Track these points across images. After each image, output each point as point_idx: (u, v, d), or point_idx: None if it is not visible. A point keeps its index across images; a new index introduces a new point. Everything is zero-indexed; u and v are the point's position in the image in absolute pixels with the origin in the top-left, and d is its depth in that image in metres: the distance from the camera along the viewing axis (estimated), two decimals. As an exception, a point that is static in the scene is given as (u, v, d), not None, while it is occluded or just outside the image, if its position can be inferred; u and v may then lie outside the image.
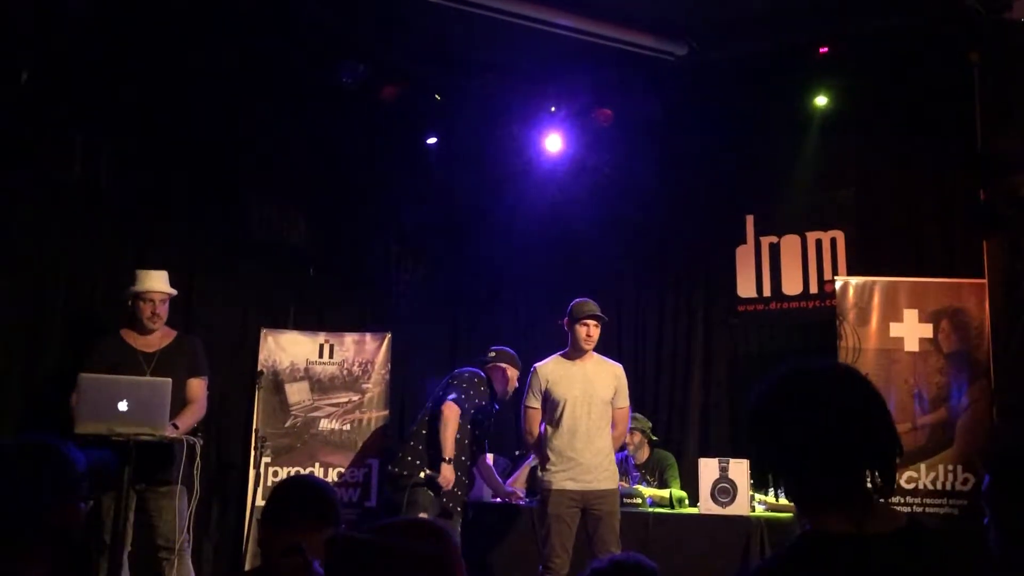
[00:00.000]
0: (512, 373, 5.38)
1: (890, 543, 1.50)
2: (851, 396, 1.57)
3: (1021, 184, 4.78)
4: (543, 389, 4.87)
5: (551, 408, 4.85)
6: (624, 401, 4.95)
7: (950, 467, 5.08)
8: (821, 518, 1.55)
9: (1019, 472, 1.81)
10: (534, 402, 4.92)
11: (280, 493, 2.42)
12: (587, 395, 4.80)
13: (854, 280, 5.48)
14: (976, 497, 4.90)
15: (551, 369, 4.91)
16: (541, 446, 4.90)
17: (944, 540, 1.60)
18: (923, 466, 5.11)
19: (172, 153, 5.99)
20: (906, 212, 6.00)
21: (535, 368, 4.96)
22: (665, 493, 5.57)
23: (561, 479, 4.74)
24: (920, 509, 5.05)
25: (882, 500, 1.56)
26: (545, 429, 4.89)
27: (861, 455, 1.55)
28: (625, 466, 5.88)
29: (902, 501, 5.03)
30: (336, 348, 6.59)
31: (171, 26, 5.44)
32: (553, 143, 6.76)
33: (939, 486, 5.09)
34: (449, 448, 4.93)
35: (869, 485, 1.56)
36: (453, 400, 5.04)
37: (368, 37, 6.07)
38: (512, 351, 5.52)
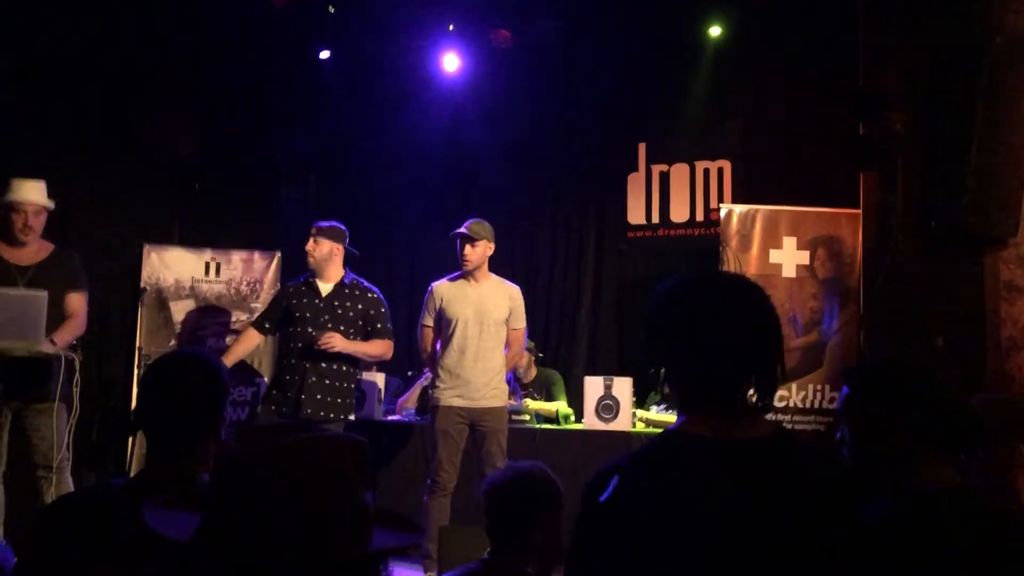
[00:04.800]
0: (309, 246, 4.94)
1: (752, 448, 1.55)
2: (751, 305, 1.62)
3: (896, 120, 4.99)
4: (438, 308, 4.92)
5: (444, 327, 4.90)
6: (519, 322, 5.03)
7: (819, 386, 5.38)
8: (691, 419, 1.60)
9: (874, 381, 1.95)
10: (428, 320, 4.98)
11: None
12: (479, 315, 4.86)
13: (738, 208, 5.66)
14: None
15: (446, 289, 4.95)
16: (434, 363, 4.96)
17: (807, 449, 1.65)
18: (794, 385, 5.40)
19: (48, 59, 5.65)
20: (789, 144, 6.21)
21: (432, 287, 5.00)
22: (552, 407, 5.74)
23: (449, 396, 4.83)
24: (790, 426, 5.34)
25: (757, 410, 1.60)
26: (438, 347, 4.94)
27: (748, 363, 1.59)
28: (511, 386, 6.00)
29: (772, 418, 5.31)
30: (223, 266, 6.43)
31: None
32: (450, 62, 6.67)
33: (808, 404, 5.40)
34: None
35: (751, 393, 1.60)
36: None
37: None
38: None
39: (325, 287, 4.93)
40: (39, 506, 4.33)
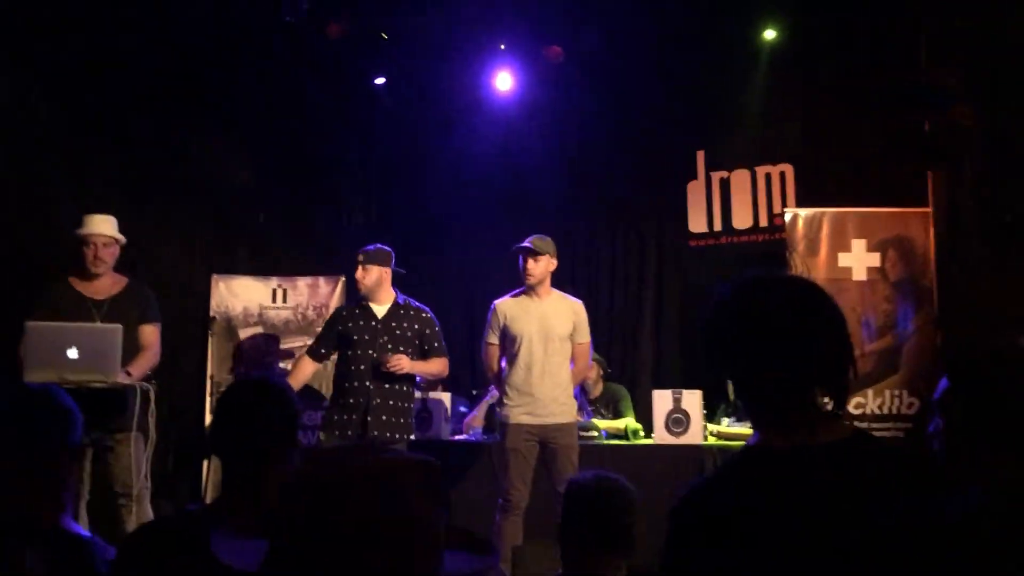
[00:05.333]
0: (358, 274, 4.97)
1: (831, 452, 1.50)
2: (810, 309, 1.56)
3: (962, 115, 4.86)
4: (502, 325, 4.91)
5: (509, 344, 4.89)
6: (583, 337, 5.00)
7: (896, 392, 5.23)
8: (768, 431, 1.55)
9: (976, 375, 1.88)
10: (493, 338, 4.97)
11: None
12: (544, 332, 4.84)
13: (803, 212, 5.56)
14: (921, 420, 5.08)
15: (509, 306, 4.94)
16: (500, 382, 4.95)
17: (888, 448, 1.61)
18: (870, 392, 5.25)
19: (117, 95, 5.83)
20: (851, 143, 6.06)
21: (494, 305, 4.99)
22: (620, 424, 5.67)
23: (518, 414, 4.80)
24: (867, 433, 5.20)
25: (831, 415, 1.55)
26: (504, 365, 4.93)
27: (816, 368, 1.54)
28: (579, 401, 5.95)
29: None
30: (289, 293, 6.54)
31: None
32: (503, 81, 6.70)
33: (886, 410, 5.25)
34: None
35: (824, 400, 1.55)
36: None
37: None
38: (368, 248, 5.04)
39: (380, 309, 4.97)
40: (121, 534, 4.44)
